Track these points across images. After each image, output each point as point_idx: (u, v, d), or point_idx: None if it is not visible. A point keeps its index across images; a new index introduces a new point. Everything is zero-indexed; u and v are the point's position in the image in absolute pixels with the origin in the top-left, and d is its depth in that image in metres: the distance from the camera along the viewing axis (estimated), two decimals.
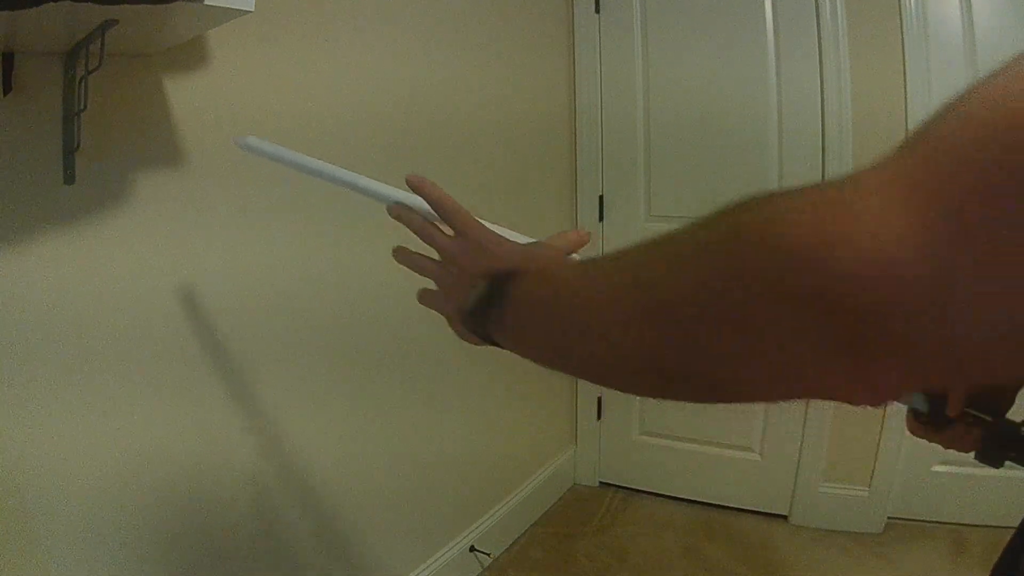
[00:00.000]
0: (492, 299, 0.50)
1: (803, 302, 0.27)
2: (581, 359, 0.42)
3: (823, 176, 2.07)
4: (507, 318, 0.49)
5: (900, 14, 1.95)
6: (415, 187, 0.63)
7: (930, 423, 0.78)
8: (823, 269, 0.26)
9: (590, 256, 0.49)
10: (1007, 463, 0.69)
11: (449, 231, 0.62)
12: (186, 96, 1.17)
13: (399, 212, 0.64)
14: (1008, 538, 0.62)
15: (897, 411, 1.75)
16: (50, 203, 1.00)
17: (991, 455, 0.70)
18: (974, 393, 0.79)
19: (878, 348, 0.26)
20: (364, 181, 0.78)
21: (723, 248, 0.31)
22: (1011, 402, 0.82)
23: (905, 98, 1.97)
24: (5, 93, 0.93)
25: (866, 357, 0.27)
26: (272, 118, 1.32)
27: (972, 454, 0.73)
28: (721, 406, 0.36)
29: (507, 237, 0.61)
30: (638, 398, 2.48)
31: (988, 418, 0.78)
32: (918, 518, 2.20)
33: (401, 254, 0.66)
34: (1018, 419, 0.70)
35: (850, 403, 0.30)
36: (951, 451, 0.76)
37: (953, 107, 0.26)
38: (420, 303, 0.65)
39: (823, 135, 2.07)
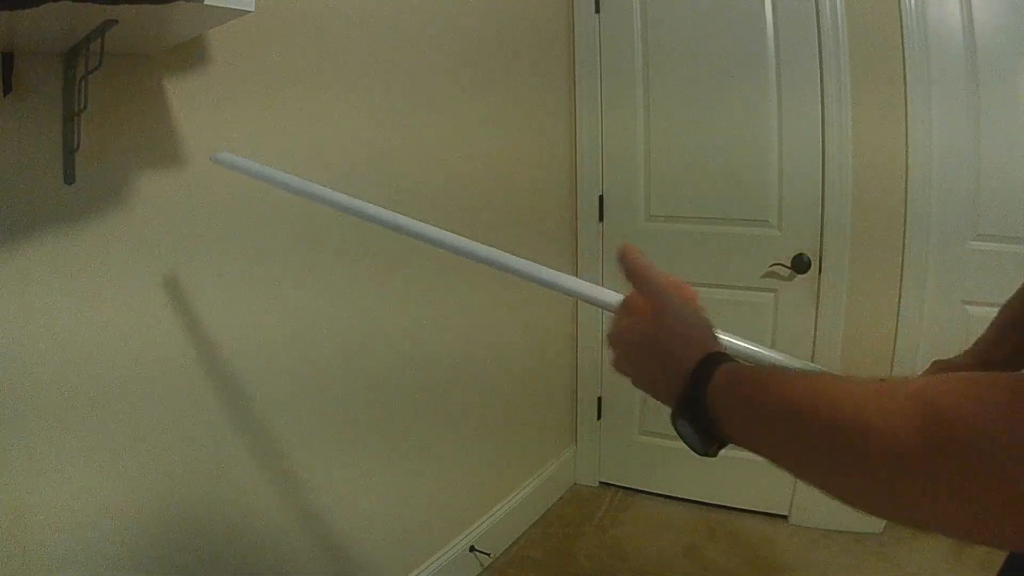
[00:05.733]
0: (694, 409, 0.54)
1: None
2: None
3: (823, 173, 2.07)
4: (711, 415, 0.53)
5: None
6: (624, 257, 0.63)
7: None
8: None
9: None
10: None
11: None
12: (186, 96, 1.17)
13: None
14: None
15: None
16: (50, 203, 1.00)
17: None
18: None
19: None
20: (341, 198, 0.80)
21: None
22: None
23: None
24: (5, 93, 0.93)
25: None
26: (272, 119, 1.32)
27: None
28: None
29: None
30: (638, 397, 2.48)
31: None
32: None
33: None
34: None
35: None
36: None
37: None
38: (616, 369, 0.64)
39: (823, 136, 2.07)
